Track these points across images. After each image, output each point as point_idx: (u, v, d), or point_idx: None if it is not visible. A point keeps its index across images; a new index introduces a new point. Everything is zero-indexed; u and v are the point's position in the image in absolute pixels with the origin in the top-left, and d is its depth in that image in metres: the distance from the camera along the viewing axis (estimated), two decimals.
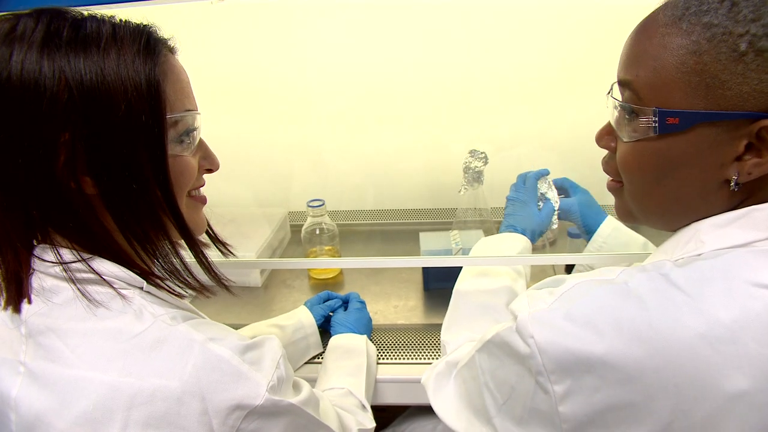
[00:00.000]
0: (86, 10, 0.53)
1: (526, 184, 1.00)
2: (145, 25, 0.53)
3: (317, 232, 1.17)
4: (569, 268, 1.07)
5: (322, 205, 1.15)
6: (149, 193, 0.52)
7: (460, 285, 0.89)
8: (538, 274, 1.08)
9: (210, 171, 0.62)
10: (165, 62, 0.53)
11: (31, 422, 0.51)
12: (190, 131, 0.56)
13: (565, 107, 1.24)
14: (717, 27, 0.47)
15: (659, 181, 0.54)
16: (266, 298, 1.15)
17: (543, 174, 1.01)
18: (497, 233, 0.96)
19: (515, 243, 0.90)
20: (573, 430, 0.49)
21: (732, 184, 0.50)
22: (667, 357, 0.45)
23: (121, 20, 0.52)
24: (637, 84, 0.52)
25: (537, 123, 1.29)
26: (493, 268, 0.89)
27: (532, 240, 0.93)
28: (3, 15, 0.49)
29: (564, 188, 1.03)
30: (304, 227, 1.17)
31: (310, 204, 1.15)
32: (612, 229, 0.96)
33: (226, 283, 0.64)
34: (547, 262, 0.97)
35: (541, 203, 0.98)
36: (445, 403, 0.67)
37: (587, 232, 0.99)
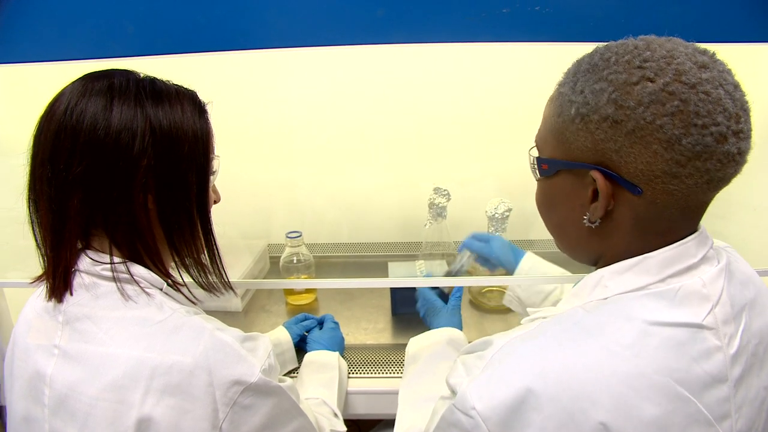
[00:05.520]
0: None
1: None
2: (192, 90, 0.69)
3: (294, 261, 1.26)
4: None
5: (300, 236, 1.26)
6: (191, 211, 0.68)
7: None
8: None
9: (215, 202, 0.75)
10: (209, 120, 0.69)
11: (64, 393, 0.60)
12: (215, 171, 0.72)
13: (520, 149, 1.38)
14: (564, 95, 0.58)
15: (548, 215, 0.65)
16: (246, 321, 1.23)
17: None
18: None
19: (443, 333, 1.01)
20: None
21: (586, 222, 0.59)
22: (576, 389, 0.51)
23: (173, 83, 0.68)
24: (536, 139, 0.64)
25: (496, 163, 1.42)
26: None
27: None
28: (93, 73, 0.64)
29: (482, 239, 1.12)
30: (282, 257, 1.27)
31: (289, 235, 1.26)
32: (532, 263, 1.07)
33: (231, 287, 0.76)
34: (488, 283, 1.10)
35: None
36: None
37: (509, 270, 1.08)
